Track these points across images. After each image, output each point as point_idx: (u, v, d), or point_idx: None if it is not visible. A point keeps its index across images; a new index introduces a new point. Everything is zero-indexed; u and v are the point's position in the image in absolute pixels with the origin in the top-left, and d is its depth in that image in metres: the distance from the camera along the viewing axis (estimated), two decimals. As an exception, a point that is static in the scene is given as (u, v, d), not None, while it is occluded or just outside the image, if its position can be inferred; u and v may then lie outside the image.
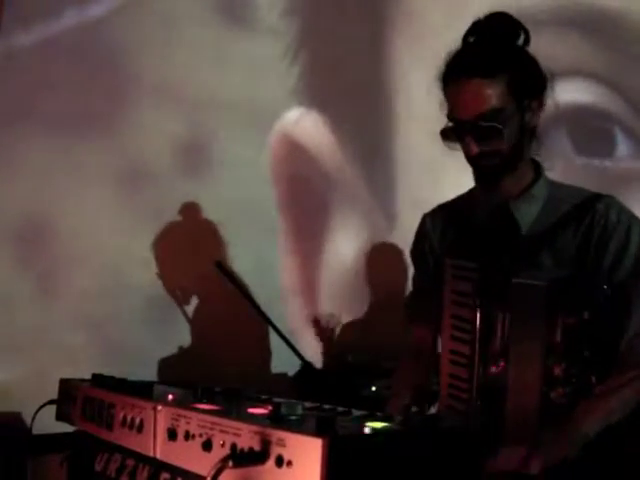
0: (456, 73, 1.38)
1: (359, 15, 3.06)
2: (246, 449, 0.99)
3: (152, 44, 2.70)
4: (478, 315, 1.32)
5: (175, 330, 2.69)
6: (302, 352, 2.55)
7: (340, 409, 1.21)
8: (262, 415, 1.09)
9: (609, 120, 3.30)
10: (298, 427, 0.96)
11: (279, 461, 0.93)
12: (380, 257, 2.89)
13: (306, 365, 2.45)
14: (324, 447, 0.88)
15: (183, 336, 2.71)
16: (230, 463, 0.93)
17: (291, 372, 2.68)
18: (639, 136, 3.35)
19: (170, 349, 2.68)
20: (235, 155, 2.75)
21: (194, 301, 2.74)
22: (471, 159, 1.41)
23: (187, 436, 1.11)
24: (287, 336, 2.51)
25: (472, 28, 1.43)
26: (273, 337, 2.64)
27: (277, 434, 0.94)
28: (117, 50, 2.64)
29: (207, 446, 1.06)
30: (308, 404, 1.25)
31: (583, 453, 1.24)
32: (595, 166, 3.27)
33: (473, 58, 1.38)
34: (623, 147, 3.33)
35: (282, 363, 2.73)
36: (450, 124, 1.42)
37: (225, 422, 1.04)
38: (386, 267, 2.88)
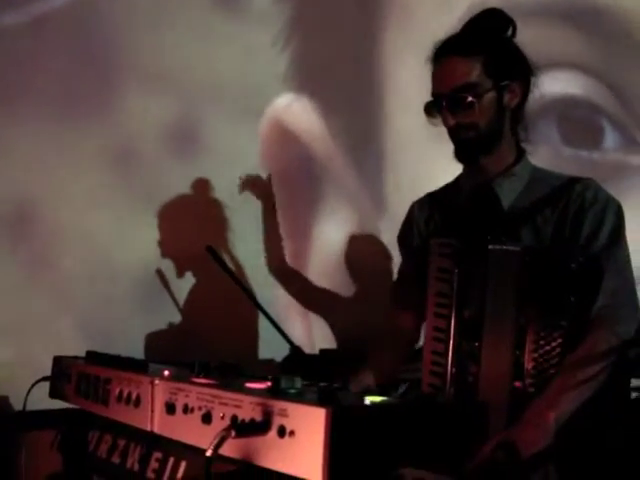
0: (438, 54, 1.50)
1: (351, 3, 3.07)
2: (247, 420, 0.99)
3: (143, 27, 2.69)
4: (455, 284, 1.35)
5: (165, 314, 2.69)
6: (291, 337, 2.56)
7: (336, 385, 1.22)
8: (262, 388, 1.09)
9: (597, 112, 3.33)
10: (300, 398, 0.97)
11: (281, 431, 0.94)
12: (368, 244, 2.91)
13: (295, 349, 2.45)
14: (328, 417, 0.89)
15: (172, 320, 2.71)
16: (233, 433, 0.93)
17: (280, 357, 2.69)
18: (627, 128, 3.39)
19: (159, 333, 2.68)
20: (225, 140, 2.75)
21: (184, 285, 2.74)
22: (450, 133, 1.49)
23: (186, 409, 1.11)
24: (277, 321, 2.52)
25: (466, 24, 1.54)
26: (263, 322, 2.64)
27: (279, 405, 0.95)
28: (107, 33, 2.62)
29: (207, 419, 1.06)
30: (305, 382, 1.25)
31: (559, 439, 1.25)
32: (583, 157, 3.30)
33: (453, 41, 1.50)
34: (611, 139, 3.36)
35: (271, 348, 2.73)
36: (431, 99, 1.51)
37: (225, 394, 1.04)
38: (375, 254, 2.89)
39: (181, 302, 2.73)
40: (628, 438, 1.40)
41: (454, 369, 1.38)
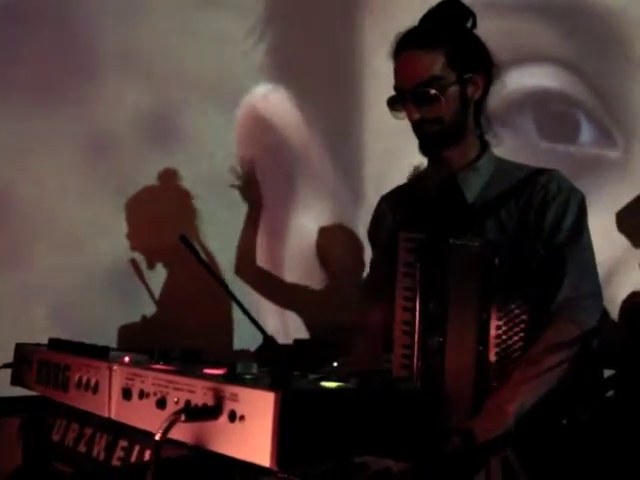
0: (401, 47, 1.49)
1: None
2: (200, 405, 0.99)
3: (119, 16, 2.67)
4: (417, 278, 1.35)
5: (138, 303, 2.68)
6: (266, 327, 2.55)
7: (297, 373, 1.22)
8: (217, 374, 1.09)
9: (574, 106, 3.35)
10: (252, 383, 0.96)
11: (232, 416, 0.94)
12: (345, 236, 2.91)
13: (268, 339, 2.45)
14: (276, 401, 0.89)
15: (146, 309, 2.70)
16: (182, 417, 0.93)
17: (254, 347, 2.69)
18: (603, 122, 3.41)
19: (134, 323, 2.67)
20: (202, 129, 2.74)
21: (158, 274, 2.73)
22: (414, 126, 1.48)
23: (142, 395, 1.10)
24: (251, 311, 2.51)
25: (425, 15, 1.54)
26: (238, 312, 2.63)
27: (230, 389, 0.95)
28: (83, 21, 2.60)
29: (161, 404, 1.05)
30: (265, 368, 1.25)
31: (519, 426, 1.26)
32: (559, 151, 3.32)
33: (415, 34, 1.49)
34: (587, 133, 3.38)
35: (245, 338, 2.73)
36: (395, 94, 1.50)
37: (179, 380, 1.04)
38: (350, 246, 2.89)
39: (156, 292, 2.72)
40: (591, 429, 1.42)
41: (420, 363, 1.39)
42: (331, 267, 2.95)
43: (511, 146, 3.19)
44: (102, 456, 1.41)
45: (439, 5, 1.52)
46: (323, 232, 2.95)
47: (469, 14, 1.53)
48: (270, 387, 0.91)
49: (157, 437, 0.90)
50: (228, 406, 0.95)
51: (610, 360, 3.06)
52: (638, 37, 3.44)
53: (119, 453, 1.37)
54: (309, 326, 2.97)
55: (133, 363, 1.21)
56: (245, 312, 2.46)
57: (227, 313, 2.79)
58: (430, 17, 1.52)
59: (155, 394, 1.08)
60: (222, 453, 0.96)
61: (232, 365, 1.07)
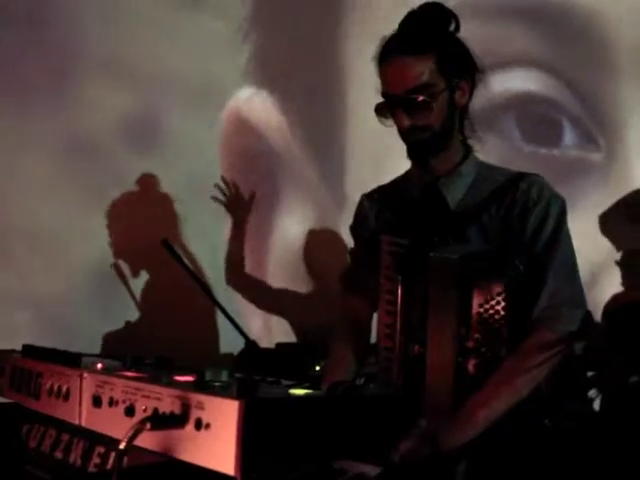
0: (389, 52, 1.46)
1: (313, -1, 3.07)
2: (167, 413, 0.99)
3: (100, 17, 2.66)
4: (400, 289, 1.35)
5: (121, 307, 2.67)
6: (249, 331, 2.55)
7: (270, 379, 1.22)
8: (187, 381, 1.09)
9: (557, 109, 3.36)
10: (218, 391, 0.96)
11: (198, 424, 0.94)
12: (328, 239, 2.91)
13: (250, 344, 2.45)
14: (241, 409, 0.89)
15: (129, 313, 2.69)
16: (148, 425, 0.93)
17: (237, 351, 2.69)
18: (585, 126, 3.42)
19: (116, 326, 2.66)
20: (185, 132, 2.73)
21: (141, 278, 2.72)
22: (403, 133, 1.46)
23: (111, 402, 1.10)
24: (235, 315, 2.51)
25: (406, 17, 1.52)
26: (220, 316, 2.64)
27: (196, 397, 0.95)
28: (63, 22, 2.59)
29: (130, 412, 1.05)
30: (239, 374, 1.25)
31: (486, 436, 1.26)
32: (542, 154, 3.33)
33: (404, 38, 1.46)
34: (570, 136, 3.40)
35: (230, 342, 2.73)
36: (383, 100, 1.48)
37: (148, 387, 1.04)
38: (334, 248, 2.89)
39: (139, 296, 2.71)
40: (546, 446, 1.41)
41: (400, 370, 1.38)
42: (315, 270, 2.95)
43: (495, 149, 3.24)
44: (79, 462, 1.40)
45: (421, 8, 1.50)
46: (307, 235, 2.95)
47: (452, 17, 1.51)
48: (235, 395, 0.91)
49: (121, 446, 0.90)
50: (194, 414, 0.95)
51: (592, 363, 3.08)
52: (621, 42, 3.47)
53: (95, 460, 1.36)
54: (297, 330, 2.98)
55: (105, 370, 1.21)
56: (227, 316, 2.47)
57: (211, 317, 2.79)
58: (413, 20, 1.50)
59: (124, 402, 1.08)
60: (188, 461, 0.95)
61: (201, 372, 1.07)
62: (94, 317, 2.60)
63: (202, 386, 1.01)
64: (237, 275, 2.86)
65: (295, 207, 2.93)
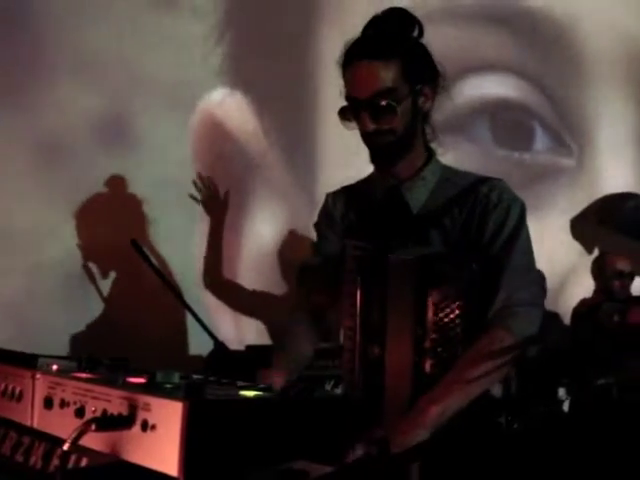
0: (354, 56, 1.45)
1: (288, 0, 3.07)
2: (116, 415, 0.99)
3: (72, 16, 2.64)
4: (359, 291, 1.36)
5: (89, 308, 2.66)
6: (220, 333, 2.55)
7: (224, 380, 1.22)
8: (137, 383, 1.09)
9: (529, 115, 3.40)
10: (165, 393, 0.96)
11: (144, 425, 0.94)
12: (299, 240, 2.91)
13: (219, 345, 2.44)
14: (184, 410, 0.89)
15: (98, 314, 2.67)
16: (93, 427, 0.92)
17: (207, 353, 2.68)
18: (557, 130, 3.47)
19: (86, 328, 2.64)
20: (157, 133, 2.72)
21: (111, 279, 2.71)
22: (367, 137, 1.46)
23: (62, 404, 1.10)
24: (206, 317, 2.51)
25: (370, 22, 1.52)
26: (191, 317, 2.62)
27: (143, 399, 0.95)
28: (35, 23, 2.58)
29: (80, 413, 1.05)
30: (196, 376, 1.25)
31: (438, 436, 1.26)
32: (515, 158, 3.37)
33: (370, 43, 1.46)
34: (542, 141, 3.43)
35: (200, 343, 2.72)
36: (347, 104, 1.47)
37: (97, 389, 1.04)
38: (305, 250, 2.89)
39: (108, 297, 2.70)
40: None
41: (360, 371, 1.39)
42: (287, 272, 2.96)
43: (468, 153, 3.26)
44: (39, 465, 1.39)
45: (385, 13, 1.50)
46: (279, 237, 2.95)
47: (416, 23, 1.51)
48: (180, 397, 0.91)
49: (65, 447, 0.89)
50: (141, 415, 0.95)
51: (560, 365, 3.11)
52: (593, 51, 3.51)
53: (56, 462, 1.35)
54: (269, 331, 2.98)
55: (59, 371, 1.20)
56: (196, 317, 2.46)
57: (181, 318, 2.77)
58: (378, 25, 1.50)
59: (75, 403, 1.07)
60: (134, 462, 0.95)
61: (152, 374, 1.07)
62: (62, 318, 2.58)
63: (150, 388, 1.01)
64: (212, 274, 2.85)
65: (267, 209, 2.94)
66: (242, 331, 2.92)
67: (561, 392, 3.15)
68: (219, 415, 0.93)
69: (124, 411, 0.97)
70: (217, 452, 0.93)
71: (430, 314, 1.31)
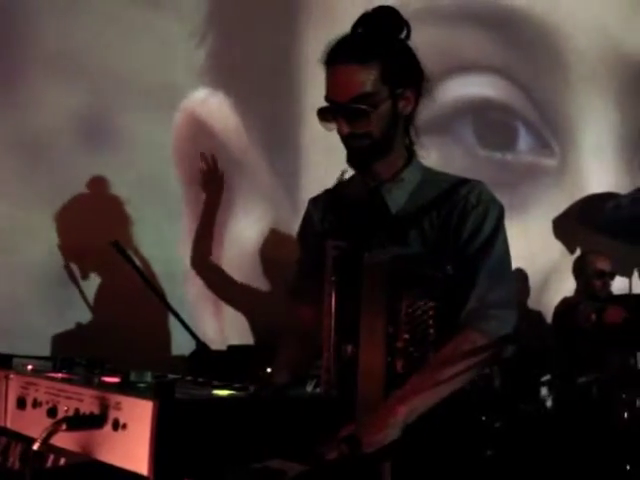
0: (334, 58, 1.45)
1: (271, 0, 3.07)
2: (87, 414, 0.99)
3: (53, 13, 2.63)
4: (333, 290, 1.37)
5: (71, 309, 2.64)
6: (203, 334, 2.55)
7: (200, 380, 1.22)
8: (110, 383, 1.09)
9: (512, 115, 3.42)
10: (136, 392, 0.96)
11: (115, 424, 0.94)
12: (283, 240, 2.91)
13: (201, 346, 2.44)
14: (154, 409, 0.89)
15: (80, 315, 2.66)
16: (63, 426, 0.92)
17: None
18: (540, 131, 3.49)
19: (68, 330, 2.63)
20: (139, 133, 2.71)
21: (93, 280, 2.70)
22: (344, 140, 1.47)
23: (35, 404, 1.10)
24: (189, 318, 2.50)
25: (359, 19, 1.51)
26: (174, 318, 2.62)
27: (115, 398, 0.95)
28: (15, 18, 2.56)
29: (52, 413, 1.05)
30: (173, 376, 1.25)
31: (407, 434, 1.26)
32: (498, 159, 3.39)
33: (350, 45, 1.45)
34: (524, 141, 3.46)
35: (182, 344, 2.72)
36: (326, 105, 1.47)
37: (70, 389, 1.03)
38: (288, 250, 2.90)
39: (90, 298, 2.69)
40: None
41: (334, 370, 1.39)
42: (270, 272, 2.96)
43: (450, 153, 3.28)
44: (17, 465, 1.39)
45: (375, 11, 1.49)
46: (262, 237, 2.95)
47: (404, 24, 1.50)
48: (150, 396, 0.91)
49: (35, 447, 0.89)
50: (112, 415, 0.95)
51: (542, 364, 3.13)
52: (576, 52, 3.54)
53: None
54: (251, 331, 2.98)
55: (33, 371, 1.20)
56: (178, 318, 2.46)
57: (164, 318, 2.77)
58: (364, 25, 1.49)
59: (47, 403, 1.07)
60: (106, 462, 0.95)
61: (126, 374, 1.07)
62: (43, 319, 2.56)
63: (123, 387, 1.01)
64: (201, 255, 2.85)
65: (250, 209, 2.93)
66: (225, 331, 2.92)
67: (544, 391, 3.17)
68: (189, 414, 0.93)
69: (96, 410, 0.98)
70: (188, 451, 0.93)
71: (403, 314, 1.32)
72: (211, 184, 2.84)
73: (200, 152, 2.82)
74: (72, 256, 2.63)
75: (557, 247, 3.54)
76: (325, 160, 2.98)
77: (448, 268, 1.36)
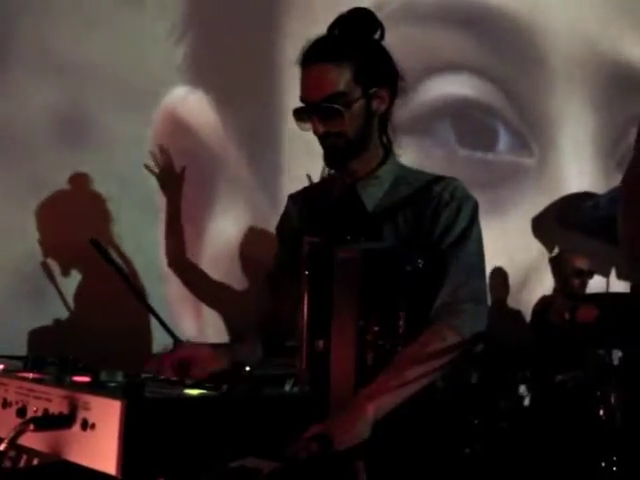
0: (307, 59, 1.47)
1: (250, -3, 3.07)
2: (56, 414, 0.98)
3: (31, 9, 2.61)
4: (307, 285, 1.37)
5: (50, 307, 2.62)
6: (182, 332, 2.54)
7: (173, 379, 1.22)
8: (80, 382, 1.08)
9: (492, 115, 3.44)
10: (105, 391, 0.96)
11: (84, 424, 0.94)
12: (262, 240, 2.91)
13: (179, 344, 2.43)
14: (122, 409, 0.89)
15: (58, 313, 2.64)
16: (31, 427, 0.92)
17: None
18: (520, 130, 3.51)
19: (46, 329, 2.61)
20: (117, 129, 2.69)
21: (72, 278, 2.68)
22: (319, 139, 1.48)
23: (5, 404, 1.09)
24: (168, 316, 2.49)
25: (335, 21, 1.53)
26: (153, 317, 2.61)
27: (83, 398, 0.95)
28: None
29: (22, 413, 1.04)
30: (146, 375, 1.25)
31: (378, 432, 1.27)
32: (477, 158, 3.41)
33: (324, 46, 1.48)
34: (504, 142, 3.48)
35: (163, 342, 2.71)
36: (301, 105, 1.50)
37: (39, 388, 1.03)
38: (268, 249, 2.90)
39: (69, 295, 2.67)
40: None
41: (307, 366, 1.40)
42: (249, 270, 2.96)
43: (430, 153, 3.29)
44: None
45: (350, 13, 1.52)
46: (241, 235, 2.95)
47: (378, 25, 1.53)
48: (119, 395, 0.91)
49: (1, 447, 0.89)
50: (81, 415, 0.95)
51: (521, 361, 3.16)
52: (554, 52, 3.57)
53: (6, 463, 1.35)
54: (230, 330, 2.97)
55: (3, 371, 1.19)
56: (156, 316, 2.45)
57: (144, 317, 2.76)
58: (339, 26, 1.51)
59: (17, 403, 1.06)
60: (75, 462, 0.95)
61: (96, 373, 1.07)
62: (21, 316, 2.55)
63: (92, 387, 1.01)
64: (174, 254, 2.83)
65: (230, 207, 2.93)
66: (204, 330, 2.91)
67: (522, 389, 3.20)
68: (158, 414, 0.93)
69: (65, 410, 0.97)
70: (159, 451, 0.93)
71: (372, 307, 1.33)
72: (168, 181, 2.81)
73: (158, 146, 2.79)
74: (51, 253, 2.62)
75: (536, 246, 3.57)
76: (305, 158, 2.98)
77: (419, 262, 1.38)
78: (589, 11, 3.63)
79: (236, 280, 2.93)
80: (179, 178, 2.82)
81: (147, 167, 2.77)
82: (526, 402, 3.17)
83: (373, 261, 1.35)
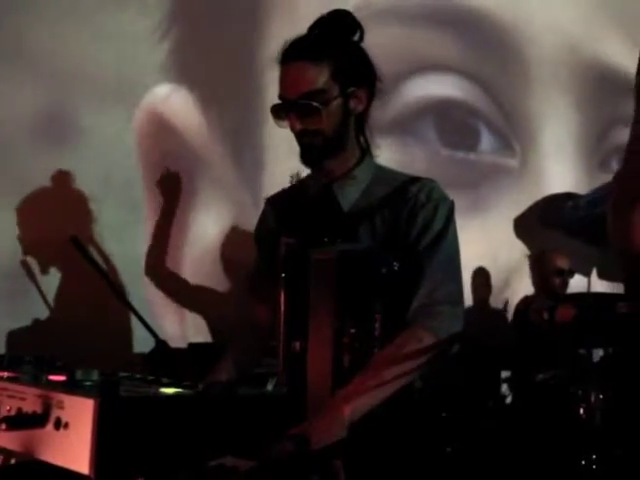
0: (286, 57, 1.48)
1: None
2: (30, 413, 0.98)
3: (14, 10, 2.59)
4: (283, 286, 1.37)
5: (29, 305, 2.61)
6: (164, 332, 2.53)
7: (150, 378, 1.21)
8: (55, 381, 1.08)
9: (475, 115, 3.46)
10: (78, 390, 0.96)
11: (57, 423, 0.93)
12: (245, 238, 2.91)
13: (160, 343, 2.43)
14: (96, 408, 0.88)
15: (38, 311, 2.63)
16: (3, 426, 0.91)
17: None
18: (502, 131, 3.53)
19: (25, 328, 2.59)
20: (99, 128, 2.68)
21: (53, 277, 2.66)
22: (296, 137, 1.49)
23: (-22, 403, 1.08)
24: (150, 315, 2.48)
25: (315, 22, 1.54)
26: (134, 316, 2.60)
27: (57, 397, 0.94)
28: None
29: (-5, 412, 1.04)
30: (123, 374, 1.24)
31: (357, 431, 1.27)
32: (459, 158, 3.42)
33: (303, 45, 1.49)
34: (487, 142, 3.50)
35: (144, 342, 2.69)
36: (279, 102, 1.50)
37: (12, 387, 1.02)
38: (250, 248, 2.89)
39: (49, 294, 2.65)
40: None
41: (284, 367, 1.40)
42: (231, 270, 2.95)
43: (413, 152, 3.30)
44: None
45: (330, 14, 1.53)
46: (223, 235, 2.95)
47: (357, 26, 1.54)
48: (92, 394, 0.91)
49: (-27, 446, 0.88)
50: (55, 414, 0.94)
51: (503, 361, 3.18)
52: (536, 53, 3.60)
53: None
54: (212, 329, 2.97)
55: (-21, 370, 1.18)
56: (137, 315, 2.43)
57: (125, 316, 2.74)
58: (319, 27, 1.53)
59: (-10, 402, 1.06)
60: (48, 461, 0.95)
61: (72, 372, 1.06)
62: (2, 316, 2.53)
63: (67, 386, 1.01)
64: (155, 261, 2.83)
65: (212, 206, 2.92)
66: (186, 329, 2.91)
67: (504, 388, 3.22)
68: (133, 412, 0.93)
69: (38, 410, 0.97)
70: (133, 450, 0.93)
71: (349, 309, 1.33)
72: (169, 188, 2.81)
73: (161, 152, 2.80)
74: (31, 251, 2.60)
75: (518, 246, 3.59)
76: (288, 159, 2.98)
77: (394, 264, 1.38)
78: (571, 11, 3.65)
79: (217, 279, 2.93)
80: (179, 186, 2.82)
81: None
82: (508, 401, 3.19)
83: (348, 263, 1.35)
